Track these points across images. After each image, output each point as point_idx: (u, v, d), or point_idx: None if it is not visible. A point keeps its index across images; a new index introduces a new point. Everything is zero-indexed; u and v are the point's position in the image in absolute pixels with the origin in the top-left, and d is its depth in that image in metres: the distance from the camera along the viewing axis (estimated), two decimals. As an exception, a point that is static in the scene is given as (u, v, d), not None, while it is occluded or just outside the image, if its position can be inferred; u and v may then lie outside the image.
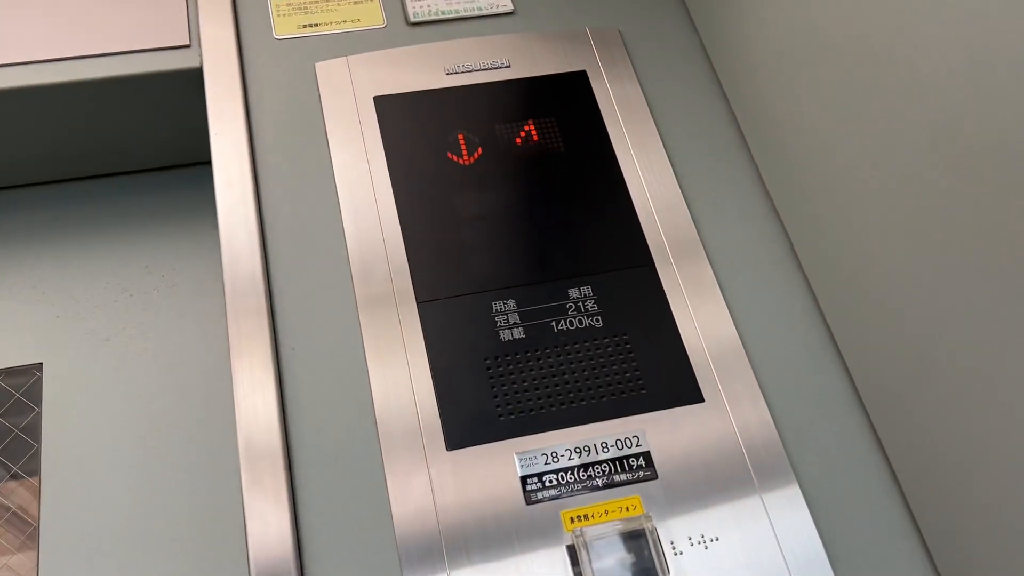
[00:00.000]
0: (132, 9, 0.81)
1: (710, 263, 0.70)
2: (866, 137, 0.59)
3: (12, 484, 0.78)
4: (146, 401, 0.79)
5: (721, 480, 0.61)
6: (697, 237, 0.71)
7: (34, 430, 0.79)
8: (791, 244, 0.71)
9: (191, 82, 0.78)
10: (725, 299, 0.68)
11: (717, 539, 0.59)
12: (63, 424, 0.79)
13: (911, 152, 0.55)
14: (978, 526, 0.54)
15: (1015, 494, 0.50)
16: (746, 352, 0.66)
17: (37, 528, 0.75)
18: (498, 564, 0.57)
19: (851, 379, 0.65)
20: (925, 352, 0.56)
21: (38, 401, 0.80)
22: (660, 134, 0.76)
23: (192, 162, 0.90)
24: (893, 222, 0.58)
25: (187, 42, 0.79)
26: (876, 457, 0.62)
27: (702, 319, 0.67)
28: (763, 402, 0.64)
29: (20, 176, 0.88)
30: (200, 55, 0.78)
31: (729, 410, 0.63)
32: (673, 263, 0.69)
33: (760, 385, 0.64)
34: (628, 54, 0.80)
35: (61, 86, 0.76)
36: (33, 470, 0.77)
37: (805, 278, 0.69)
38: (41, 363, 0.81)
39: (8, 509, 0.77)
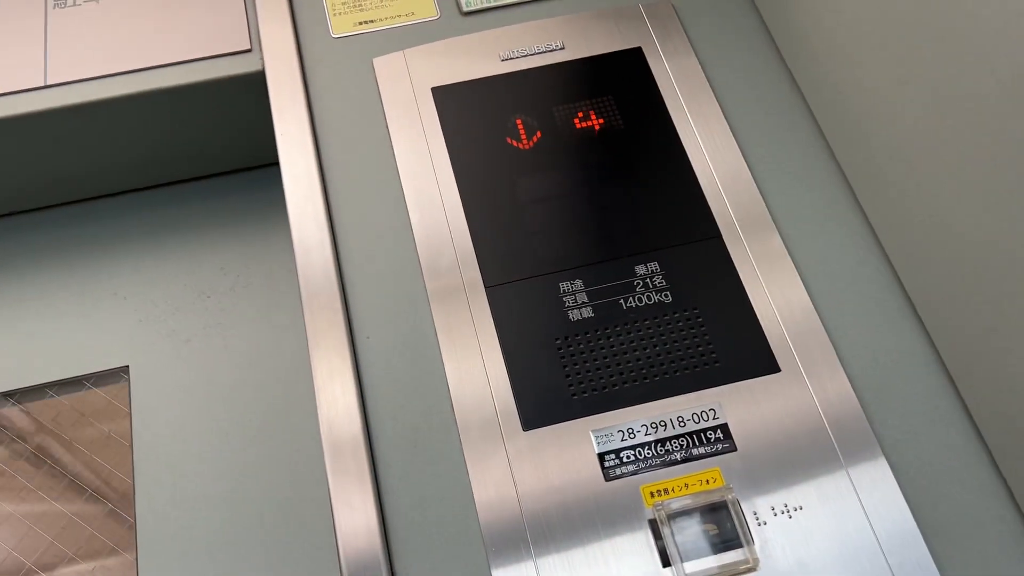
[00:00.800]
0: (193, 17, 0.83)
1: (779, 232, 0.69)
2: (931, 90, 0.58)
3: (109, 484, 0.81)
4: (228, 397, 0.82)
5: (802, 449, 0.60)
6: (764, 206, 0.70)
7: (125, 432, 0.82)
8: (861, 208, 0.69)
9: (254, 85, 0.80)
10: (796, 267, 0.67)
11: (801, 508, 0.58)
12: (152, 424, 0.82)
13: (978, 101, 0.53)
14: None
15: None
16: (820, 319, 0.65)
17: (134, 526, 0.78)
18: (582, 544, 0.58)
19: (930, 340, 0.64)
20: (1004, 307, 0.55)
21: (126, 403, 0.83)
22: (720, 105, 0.75)
23: (260, 164, 0.93)
24: (964, 176, 0.56)
25: (248, 46, 0.81)
26: (961, 418, 0.61)
27: (774, 288, 0.66)
28: (840, 369, 0.63)
29: (95, 188, 0.92)
30: (262, 58, 0.80)
31: (807, 378, 0.62)
32: (741, 234, 0.69)
33: (837, 351, 0.63)
34: (683, 27, 0.80)
35: (128, 98, 0.79)
36: (127, 471, 0.80)
37: (878, 241, 0.68)
38: (128, 366, 0.84)
39: (104, 511, 0.80)
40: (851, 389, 0.62)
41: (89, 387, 0.84)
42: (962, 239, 0.58)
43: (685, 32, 0.79)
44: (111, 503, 0.80)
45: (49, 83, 0.79)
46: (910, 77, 0.60)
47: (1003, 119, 0.52)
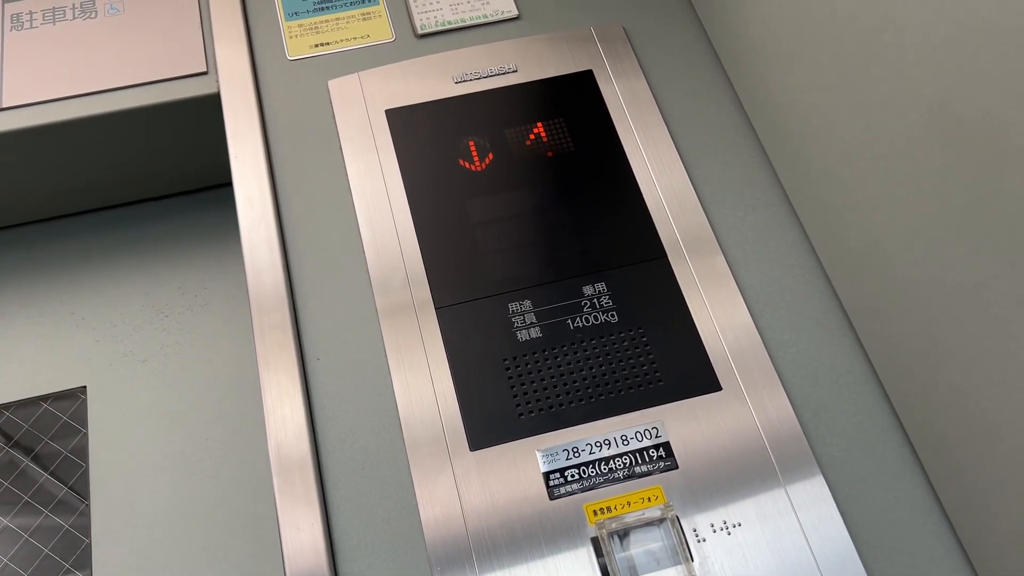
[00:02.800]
0: (149, 39, 0.84)
1: (723, 253, 0.70)
2: (863, 119, 0.59)
3: (64, 504, 0.81)
4: (185, 417, 0.82)
5: (742, 467, 0.61)
6: (709, 228, 0.71)
7: (82, 451, 0.82)
8: (803, 229, 0.71)
9: (210, 107, 0.81)
10: (739, 287, 0.69)
11: (739, 525, 0.59)
12: (109, 444, 0.82)
13: (905, 131, 0.55)
14: (998, 499, 0.54)
15: (1032, 466, 0.50)
16: (762, 339, 0.66)
17: (90, 546, 0.78)
18: (525, 561, 0.59)
19: (868, 360, 0.65)
20: (935, 327, 0.56)
21: (84, 423, 0.83)
22: (668, 127, 0.76)
23: (218, 184, 0.93)
24: (895, 201, 0.58)
25: (204, 69, 0.82)
26: (897, 436, 0.62)
27: (717, 309, 0.68)
28: (781, 387, 0.64)
29: (54, 208, 0.92)
30: (217, 81, 0.80)
31: (747, 397, 0.64)
32: (686, 255, 0.70)
33: (777, 371, 0.65)
34: (633, 50, 0.81)
35: (85, 120, 0.79)
36: (83, 490, 0.81)
37: (819, 262, 0.70)
38: (85, 386, 0.85)
39: (60, 529, 0.80)
40: (791, 408, 0.63)
41: (46, 407, 0.84)
42: (894, 261, 0.59)
43: (635, 55, 0.81)
44: (67, 523, 0.80)
45: (5, 105, 0.79)
46: (843, 103, 0.62)
47: (928, 145, 0.53)
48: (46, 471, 0.82)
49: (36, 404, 0.85)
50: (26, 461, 0.83)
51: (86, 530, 0.79)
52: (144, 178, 0.90)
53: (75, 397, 0.85)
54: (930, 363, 0.58)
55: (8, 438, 0.84)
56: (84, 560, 0.78)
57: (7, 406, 0.85)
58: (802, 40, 0.65)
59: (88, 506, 0.80)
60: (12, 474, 0.83)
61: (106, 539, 0.78)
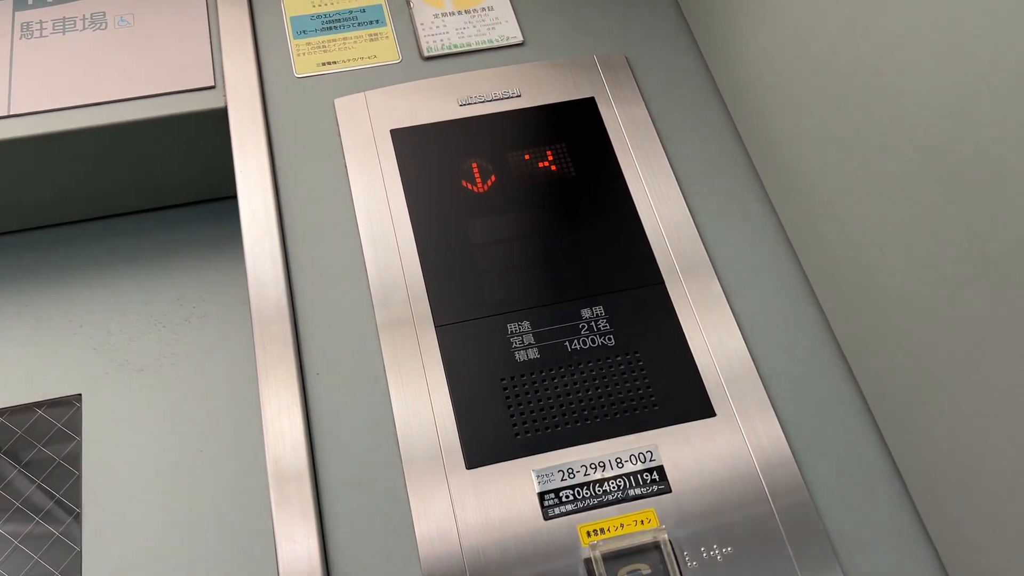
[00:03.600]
0: (158, 52, 0.85)
1: (719, 279, 0.71)
2: (860, 154, 0.61)
3: (55, 512, 0.81)
4: (179, 428, 0.82)
5: (733, 492, 0.62)
6: (705, 254, 0.73)
7: (75, 459, 0.83)
8: (797, 258, 0.73)
9: (216, 121, 0.82)
10: (734, 314, 0.70)
11: (730, 550, 0.60)
12: (102, 453, 0.82)
13: (900, 168, 0.57)
14: (984, 530, 0.55)
15: (1018, 493, 0.52)
16: (755, 366, 0.67)
17: (80, 555, 0.78)
18: (519, 579, 0.59)
19: (859, 390, 0.66)
20: (926, 361, 0.58)
21: (78, 431, 0.83)
22: (668, 156, 0.78)
23: (219, 196, 0.94)
24: (889, 235, 0.59)
25: (212, 83, 0.83)
26: (885, 465, 0.64)
27: (712, 335, 0.69)
28: (773, 414, 0.65)
29: (55, 216, 0.93)
30: (224, 96, 0.81)
31: (740, 423, 0.65)
32: (683, 281, 0.71)
33: (770, 398, 0.66)
34: (635, 79, 0.83)
35: (91, 130, 0.80)
36: (75, 498, 0.81)
37: (812, 292, 0.71)
38: (80, 394, 0.85)
39: (51, 536, 0.80)
40: (781, 432, 0.65)
41: (40, 414, 0.85)
42: (888, 295, 0.61)
43: (637, 84, 0.82)
44: (57, 531, 0.80)
45: (12, 113, 0.80)
46: (840, 139, 0.63)
47: (923, 182, 0.55)
48: (38, 478, 0.82)
49: (30, 411, 0.85)
50: (18, 468, 0.83)
51: (77, 539, 0.79)
52: (147, 189, 0.91)
53: (70, 405, 0.85)
54: (921, 396, 0.59)
55: (0, 444, 0.84)
56: (74, 569, 0.78)
57: (1, 412, 0.85)
58: (800, 77, 0.67)
59: (79, 514, 0.80)
60: (3, 481, 0.83)
61: (97, 548, 0.78)
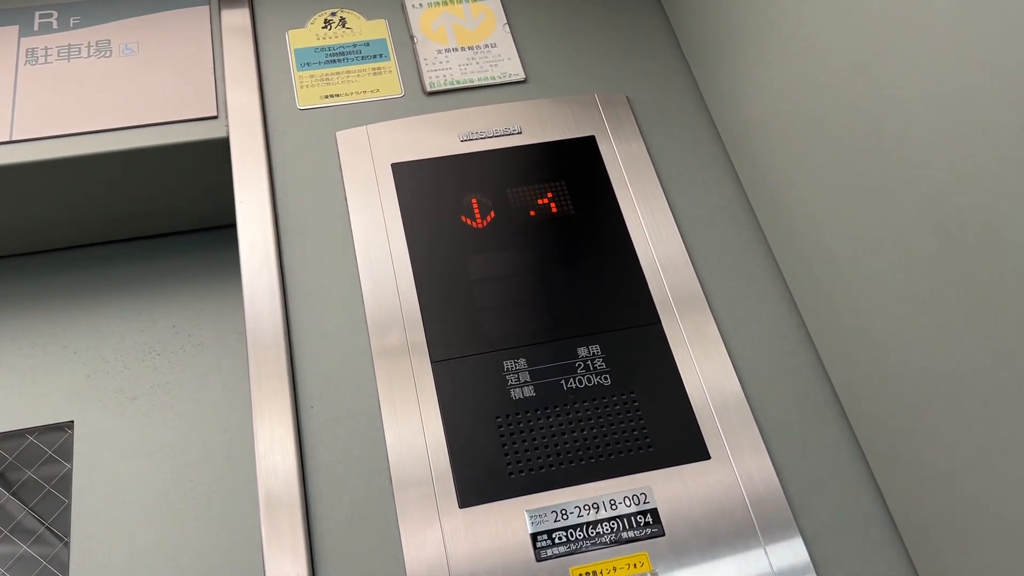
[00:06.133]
0: (162, 81, 0.85)
1: (715, 320, 0.72)
2: (860, 204, 0.61)
3: (43, 538, 0.80)
4: (171, 457, 0.82)
5: (727, 535, 0.62)
6: (702, 294, 0.73)
7: (65, 486, 0.82)
8: (793, 301, 0.73)
9: (218, 150, 0.82)
10: (730, 355, 0.70)
11: (723, 595, 0.60)
12: (92, 480, 0.81)
13: (900, 218, 0.57)
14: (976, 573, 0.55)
15: (1012, 543, 0.51)
16: (750, 407, 0.67)
17: (66, 582, 0.77)
18: (510, 620, 0.59)
19: (853, 433, 0.66)
20: (921, 409, 0.58)
21: (69, 458, 0.83)
22: (667, 196, 0.78)
23: (218, 225, 0.94)
24: (887, 283, 0.59)
25: (215, 113, 0.84)
26: (878, 508, 0.63)
27: (707, 375, 0.69)
28: (767, 456, 0.65)
29: (53, 240, 0.93)
30: (227, 126, 0.82)
31: (734, 466, 0.65)
32: (679, 320, 0.71)
33: (764, 439, 0.66)
34: (636, 119, 0.83)
35: (93, 157, 0.80)
36: (63, 525, 0.80)
37: (808, 335, 0.71)
38: (72, 421, 0.84)
39: (38, 564, 0.79)
40: (775, 475, 0.64)
41: (32, 440, 0.84)
42: (884, 343, 0.61)
43: (637, 123, 0.83)
44: (45, 557, 0.79)
45: (14, 138, 0.80)
46: (840, 187, 0.64)
47: (922, 234, 0.55)
48: (27, 504, 0.82)
49: (22, 436, 0.84)
50: (7, 494, 0.82)
51: (64, 566, 0.78)
52: (146, 215, 0.91)
53: (62, 431, 0.84)
54: (915, 444, 0.59)
55: (-9, 469, 0.83)
56: (60, 597, 0.77)
57: (-8, 437, 0.84)
58: (802, 124, 0.68)
59: (68, 542, 0.79)
60: (-8, 506, 0.82)
61: (84, 574, 0.77)
